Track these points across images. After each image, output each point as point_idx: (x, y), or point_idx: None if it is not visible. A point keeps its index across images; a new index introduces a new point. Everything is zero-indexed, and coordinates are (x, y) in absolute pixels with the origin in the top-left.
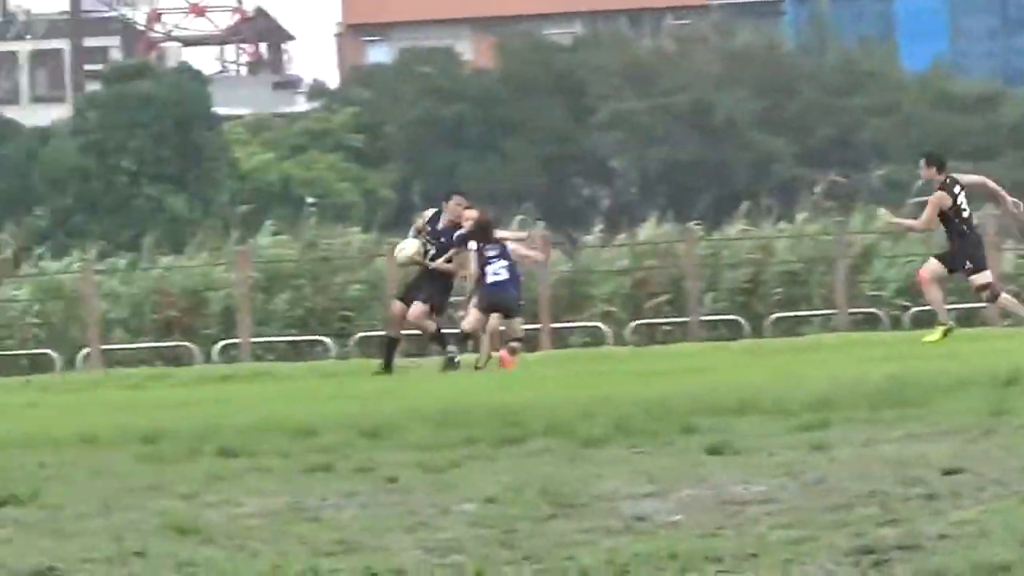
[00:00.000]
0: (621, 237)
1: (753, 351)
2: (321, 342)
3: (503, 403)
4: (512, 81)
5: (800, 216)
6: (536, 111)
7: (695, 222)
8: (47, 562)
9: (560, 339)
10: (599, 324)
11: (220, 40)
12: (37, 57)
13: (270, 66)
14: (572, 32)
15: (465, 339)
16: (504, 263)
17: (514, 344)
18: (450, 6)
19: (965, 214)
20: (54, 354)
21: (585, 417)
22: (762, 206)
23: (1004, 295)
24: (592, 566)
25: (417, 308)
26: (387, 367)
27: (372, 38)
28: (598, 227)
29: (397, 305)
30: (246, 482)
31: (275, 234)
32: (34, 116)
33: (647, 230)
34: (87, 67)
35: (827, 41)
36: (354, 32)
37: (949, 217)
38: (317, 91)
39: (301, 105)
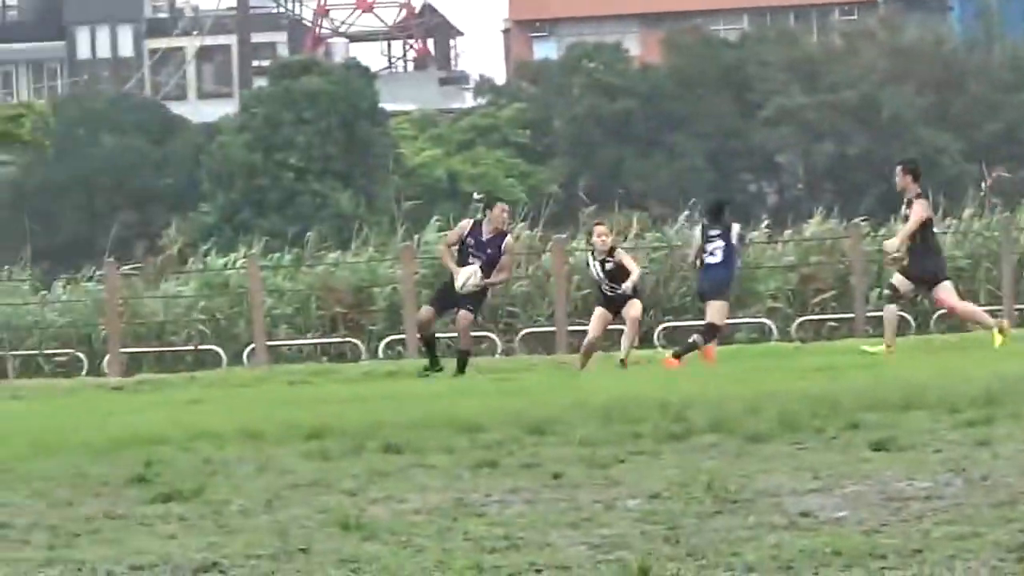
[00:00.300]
0: (787, 233)
1: (919, 347)
2: (487, 338)
3: (668, 399)
4: (679, 77)
5: (966, 212)
6: (703, 107)
7: (861, 218)
8: (212, 557)
9: (726, 334)
10: (765, 320)
11: (387, 36)
12: (204, 53)
13: (437, 62)
14: (739, 28)
15: (713, 332)
16: (720, 244)
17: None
18: (617, 2)
19: (934, 228)
20: (219, 350)
21: (750, 413)
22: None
23: (890, 307)
24: (756, 562)
25: (467, 316)
26: (433, 365)
27: (539, 34)
28: (764, 223)
29: (428, 310)
30: (410, 478)
31: (440, 230)
32: (201, 112)
33: (813, 226)
34: (254, 63)
35: (994, 36)
36: (521, 28)
37: (924, 228)
38: (484, 87)
39: (468, 101)
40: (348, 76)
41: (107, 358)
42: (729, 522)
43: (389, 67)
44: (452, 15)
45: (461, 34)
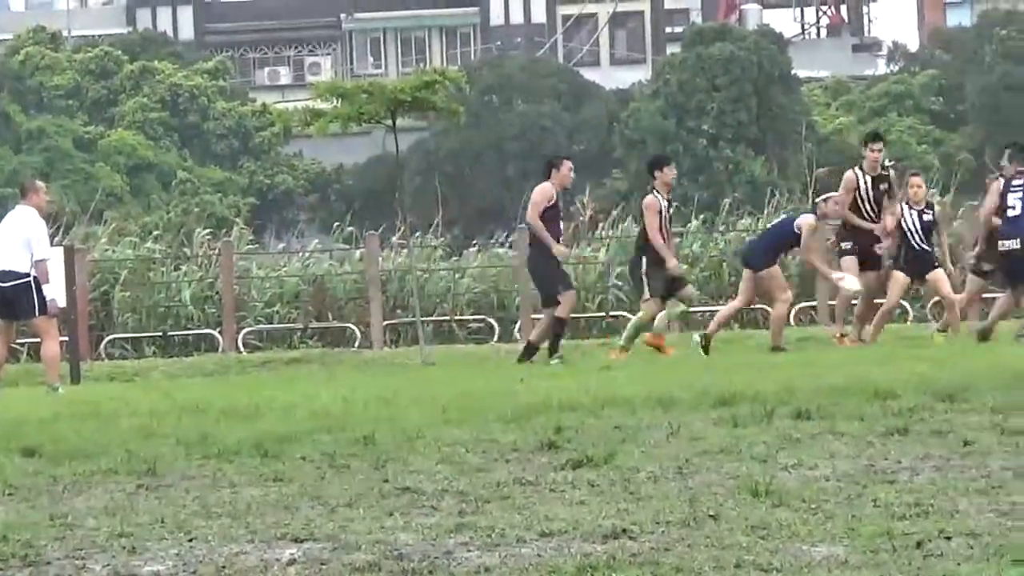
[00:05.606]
0: None
1: None
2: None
3: None
4: None
5: None
6: None
7: None
8: (621, 524)
9: None
10: None
11: (801, 2)
12: (617, 19)
13: (850, 28)
14: None
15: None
16: (1020, 195)
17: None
18: None
19: None
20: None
21: None
22: None
23: None
24: None
25: None
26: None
27: (953, 0)
28: None
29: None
30: (821, 445)
31: None
32: (613, 78)
33: None
34: (667, 29)
35: None
36: None
37: None
38: (897, 54)
39: (880, 68)
40: (760, 43)
41: (518, 324)
42: None
43: (802, 34)
44: None
45: (874, 0)
